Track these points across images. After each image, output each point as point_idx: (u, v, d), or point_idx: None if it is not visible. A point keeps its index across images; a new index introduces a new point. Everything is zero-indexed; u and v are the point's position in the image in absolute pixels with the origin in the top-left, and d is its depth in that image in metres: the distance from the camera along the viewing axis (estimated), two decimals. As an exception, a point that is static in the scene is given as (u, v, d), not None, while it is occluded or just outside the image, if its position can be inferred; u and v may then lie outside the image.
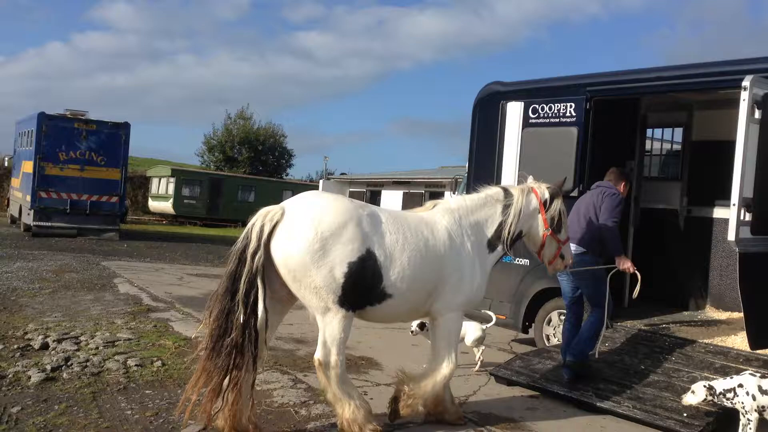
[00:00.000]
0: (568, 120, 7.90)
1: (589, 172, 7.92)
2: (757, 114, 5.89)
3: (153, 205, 40.16)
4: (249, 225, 5.00)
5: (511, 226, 5.73)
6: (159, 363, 7.06)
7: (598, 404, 6.24)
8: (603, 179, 7.10)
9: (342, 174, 44.84)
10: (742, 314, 7.22)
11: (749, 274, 6.09)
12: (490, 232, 5.74)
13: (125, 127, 22.68)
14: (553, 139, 8.01)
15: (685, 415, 5.78)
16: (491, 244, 5.76)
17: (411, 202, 33.14)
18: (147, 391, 6.16)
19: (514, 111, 8.39)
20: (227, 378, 4.81)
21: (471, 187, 9.20)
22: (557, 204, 5.93)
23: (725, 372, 6.40)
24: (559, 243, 5.98)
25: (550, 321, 8.31)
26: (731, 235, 5.88)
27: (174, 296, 11.65)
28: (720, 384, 5.52)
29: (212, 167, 50.85)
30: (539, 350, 7.57)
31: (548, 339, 8.31)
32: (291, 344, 8.58)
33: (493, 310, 8.75)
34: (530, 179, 6.16)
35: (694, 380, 6.34)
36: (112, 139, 22.31)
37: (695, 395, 5.58)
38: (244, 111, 54.09)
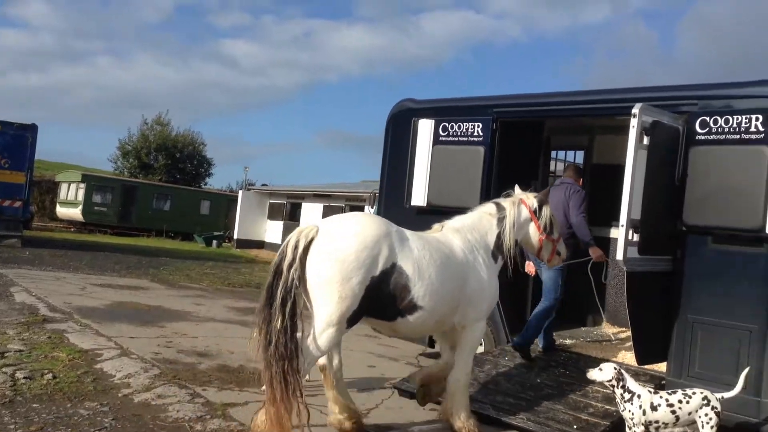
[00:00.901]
0: (476, 139, 8.11)
1: (495, 190, 8.15)
2: (646, 140, 6.22)
3: (61, 211, 38.67)
4: (286, 241, 5.27)
5: (508, 237, 6.21)
6: (50, 376, 6.81)
7: (495, 416, 6.40)
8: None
9: (263, 185, 44.38)
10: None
11: (636, 293, 6.40)
12: (491, 244, 6.20)
13: (32, 129, 21.81)
14: (462, 157, 8.21)
15: (575, 427, 6.00)
16: (494, 255, 6.22)
17: (331, 214, 33.09)
18: (34, 405, 5.94)
19: (425, 128, 8.55)
20: (287, 386, 5.00)
21: (382, 202, 9.34)
22: (546, 210, 6.48)
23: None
24: (553, 242, 6.57)
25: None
26: (619, 255, 6.17)
27: (73, 307, 11.24)
28: (627, 380, 5.66)
29: (126, 174, 49.40)
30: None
31: (452, 353, 8.46)
32: (193, 357, 8.42)
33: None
34: (517, 190, 6.62)
35: (585, 394, 6.63)
36: (17, 141, 21.41)
37: (602, 373, 5.66)
38: (162, 117, 52.92)
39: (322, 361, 5.49)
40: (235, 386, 7.24)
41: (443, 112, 8.62)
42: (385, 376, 8.22)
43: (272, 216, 37.79)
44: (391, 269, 5.24)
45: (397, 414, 6.74)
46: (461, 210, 8.14)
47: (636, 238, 6.22)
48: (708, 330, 6.39)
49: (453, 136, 8.33)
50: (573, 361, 7.37)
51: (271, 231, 37.48)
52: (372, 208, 19.24)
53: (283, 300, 5.05)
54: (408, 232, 5.61)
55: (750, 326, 6.13)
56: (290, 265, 5.09)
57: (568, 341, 8.06)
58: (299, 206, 36.08)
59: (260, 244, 37.11)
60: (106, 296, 12.87)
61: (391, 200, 9.18)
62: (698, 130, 6.44)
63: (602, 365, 5.79)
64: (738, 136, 6.19)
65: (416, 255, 5.41)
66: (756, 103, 6.20)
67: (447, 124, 8.39)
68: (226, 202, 43.25)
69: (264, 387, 5.15)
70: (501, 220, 6.28)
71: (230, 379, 7.52)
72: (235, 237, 37.00)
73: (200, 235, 37.16)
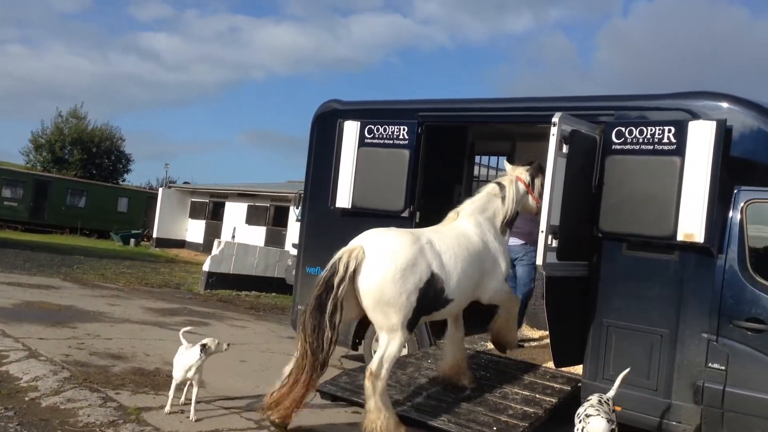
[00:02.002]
0: (401, 142, 8.15)
1: (420, 193, 8.22)
2: (565, 149, 6.39)
3: (-33, 206, 36.64)
4: (336, 259, 6.07)
5: (510, 211, 7.00)
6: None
7: (417, 418, 6.43)
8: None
9: (185, 183, 43.38)
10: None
11: (555, 297, 6.56)
12: (498, 220, 6.96)
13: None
14: (387, 159, 8.22)
15: (495, 428, 6.10)
16: (503, 230, 7.02)
17: (255, 215, 32.72)
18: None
19: (350, 130, 8.52)
20: (312, 375, 6.02)
21: (307, 203, 9.26)
22: (538, 181, 7.13)
23: (532, 388, 6.86)
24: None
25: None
26: (539, 260, 6.32)
27: (-24, 306, 10.67)
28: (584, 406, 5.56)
29: (39, 168, 47.31)
30: (365, 367, 7.68)
31: (375, 355, 8.47)
32: (106, 360, 8.12)
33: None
34: (508, 167, 7.38)
35: (505, 395, 6.75)
36: None
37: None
38: (78, 109, 50.98)
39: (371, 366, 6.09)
40: (151, 390, 7.02)
41: (369, 114, 8.62)
42: (307, 379, 8.14)
43: (194, 215, 36.96)
44: (431, 278, 6.07)
45: (318, 416, 6.69)
46: (386, 212, 8.24)
47: (555, 243, 6.38)
48: (622, 334, 6.62)
49: (378, 138, 8.34)
50: (494, 363, 7.50)
51: (193, 230, 36.66)
52: (297, 208, 19.10)
53: (332, 312, 5.86)
54: (433, 236, 6.37)
55: (661, 330, 6.39)
56: (341, 282, 5.89)
57: (490, 345, 8.17)
58: (222, 205, 35.43)
59: (181, 244, 36.22)
60: (14, 295, 12.27)
61: (316, 201, 9.12)
62: (614, 139, 6.66)
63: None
64: (652, 147, 6.44)
65: (445, 259, 6.24)
66: (669, 115, 6.48)
67: (373, 127, 8.39)
68: (145, 200, 42.01)
69: (290, 369, 6.11)
70: (503, 198, 7.01)
71: (145, 382, 7.28)
72: (155, 236, 35.98)
73: (117, 233, 35.97)
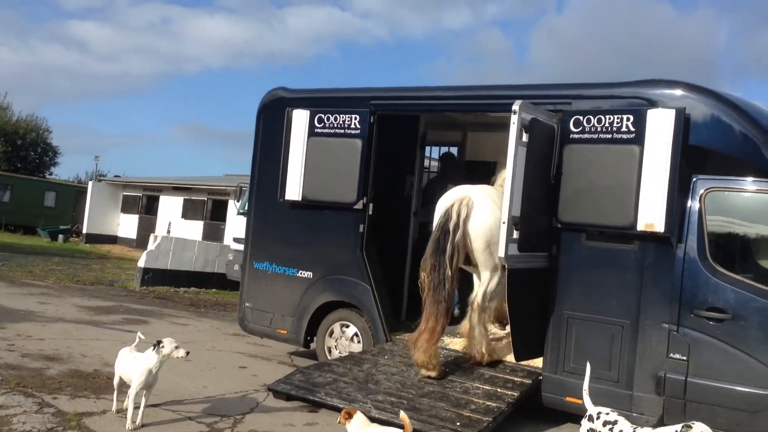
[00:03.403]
0: (353, 132, 7.88)
1: (372, 184, 7.98)
2: (525, 138, 6.25)
3: None
4: (448, 206, 6.92)
5: None
6: None
7: (377, 416, 6.19)
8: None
9: (116, 176, 41.90)
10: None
11: (516, 290, 6.43)
12: None
13: None
14: (339, 150, 7.95)
15: (458, 423, 5.93)
16: None
17: (192, 209, 31.84)
18: None
19: (299, 119, 8.20)
20: (445, 320, 6.71)
21: (253, 196, 8.89)
22: None
23: (493, 382, 6.72)
24: None
25: (332, 333, 8.21)
26: (501, 252, 6.17)
27: None
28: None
29: (-41, 161, 44.93)
30: (320, 364, 7.41)
31: (330, 351, 8.20)
32: (40, 362, 7.58)
33: (273, 325, 8.49)
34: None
35: (466, 390, 6.59)
36: None
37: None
38: (1, 100, 48.62)
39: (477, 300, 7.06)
40: (91, 393, 6.57)
41: (319, 102, 8.32)
42: (258, 378, 7.80)
43: (126, 209, 35.69)
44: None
45: (273, 418, 6.37)
46: (338, 204, 7.97)
47: (516, 234, 6.24)
48: (582, 325, 6.55)
49: (329, 127, 8.05)
50: (452, 358, 7.33)
51: (125, 225, 35.41)
52: (238, 202, 18.58)
53: (451, 254, 6.72)
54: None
55: (622, 321, 6.34)
56: (456, 227, 6.78)
57: (446, 338, 8.00)
58: (157, 199, 34.32)
59: (112, 239, 34.93)
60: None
61: (263, 194, 8.77)
62: (572, 128, 6.57)
63: None
64: (610, 136, 6.37)
65: None
66: (627, 103, 6.42)
67: (323, 116, 8.09)
68: (73, 194, 40.30)
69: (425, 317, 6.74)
70: None
71: (84, 385, 6.81)
72: (84, 231, 34.56)
73: (44, 229, 34.38)
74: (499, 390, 6.56)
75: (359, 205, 7.81)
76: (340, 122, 7.96)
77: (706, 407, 5.94)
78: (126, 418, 5.67)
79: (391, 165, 8.45)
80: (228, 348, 9.55)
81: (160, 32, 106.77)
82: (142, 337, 6.22)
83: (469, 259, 7.09)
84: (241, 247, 17.40)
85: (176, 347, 5.72)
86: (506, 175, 6.18)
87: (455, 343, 7.70)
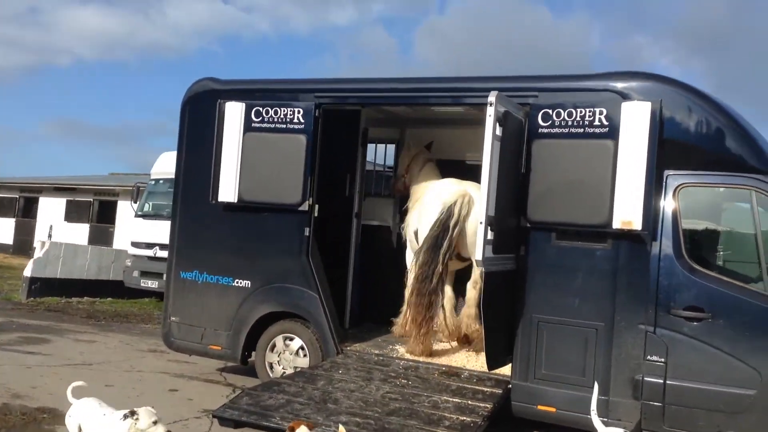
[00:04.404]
0: (296, 127, 7.22)
1: (317, 183, 7.35)
2: (498, 131, 5.84)
3: None
4: (450, 203, 6.98)
5: None
6: None
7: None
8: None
9: (-17, 177, 38.48)
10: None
11: (492, 294, 6.02)
12: None
13: None
14: (280, 146, 7.26)
15: (432, 444, 5.44)
16: None
17: (76, 211, 29.62)
18: None
19: (233, 112, 7.43)
20: (427, 312, 6.93)
21: (179, 197, 8.04)
22: None
23: (462, 394, 6.27)
24: None
25: (274, 347, 7.49)
26: (478, 254, 5.72)
27: None
28: None
29: None
30: (268, 384, 6.66)
31: (271, 367, 7.49)
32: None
33: (205, 341, 7.67)
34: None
35: (435, 405, 6.09)
36: None
37: None
38: None
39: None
40: (3, 434, 5.59)
41: (255, 94, 7.58)
42: (195, 402, 6.98)
43: (1, 212, 32.80)
44: None
45: (223, 450, 5.64)
46: (281, 206, 7.28)
47: (490, 236, 5.82)
48: (553, 329, 6.23)
49: (269, 122, 7.34)
50: (412, 369, 6.83)
51: (0, 230, 32.53)
52: (135, 203, 17.29)
53: (445, 251, 6.86)
54: None
55: (596, 324, 6.06)
56: (455, 224, 6.89)
57: (400, 348, 7.51)
58: (36, 201, 31.71)
59: (-16, 246, 32.02)
60: None
61: (191, 195, 7.92)
62: (541, 122, 6.24)
63: None
64: (582, 130, 6.09)
65: None
66: (599, 96, 6.13)
67: (261, 109, 7.37)
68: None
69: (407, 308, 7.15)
70: None
71: (-7, 425, 5.80)
72: (-48, 237, 31.49)
73: None
74: (470, 402, 6.10)
75: (304, 207, 7.17)
76: (282, 116, 7.27)
77: (686, 410, 5.77)
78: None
79: (332, 163, 7.85)
80: (148, 367, 8.60)
81: (26, 22, 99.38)
82: (84, 384, 5.20)
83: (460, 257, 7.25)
84: (139, 252, 16.45)
85: (155, 422, 4.58)
86: (482, 172, 5.73)
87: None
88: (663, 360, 5.83)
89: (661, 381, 5.81)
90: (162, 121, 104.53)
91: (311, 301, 7.25)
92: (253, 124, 7.38)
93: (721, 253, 6.20)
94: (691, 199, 5.99)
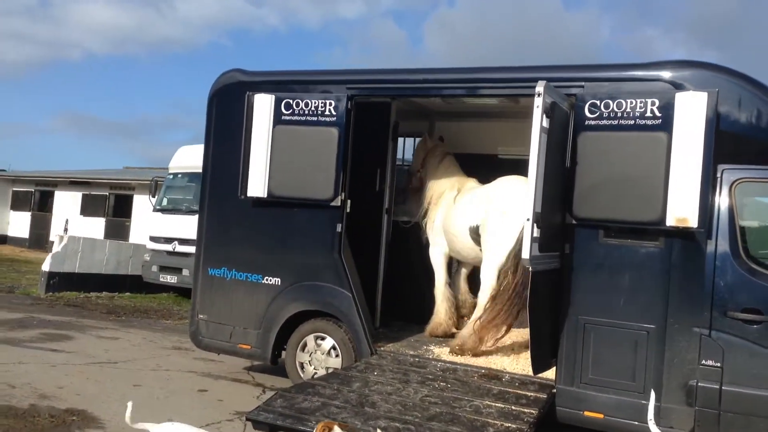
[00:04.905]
0: (328, 119, 6.95)
1: (349, 178, 7.10)
2: (546, 123, 5.56)
3: None
4: None
5: None
6: None
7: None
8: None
9: (1, 170, 38.57)
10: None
11: (539, 295, 5.74)
12: None
13: None
14: (312, 139, 7.01)
15: (479, 452, 5.18)
16: None
17: (92, 205, 29.55)
18: None
19: (263, 105, 7.18)
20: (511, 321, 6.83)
21: (207, 193, 7.81)
22: None
23: (505, 398, 6.00)
24: None
25: (305, 346, 7.25)
26: (525, 253, 5.44)
27: None
28: None
29: None
30: (301, 385, 6.41)
31: (302, 368, 7.25)
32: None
33: (234, 339, 7.45)
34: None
35: (477, 410, 5.82)
36: None
37: None
38: None
39: None
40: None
41: (285, 86, 7.33)
42: (225, 403, 6.76)
43: (17, 206, 32.79)
44: None
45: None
46: (312, 201, 7.04)
47: (536, 233, 5.54)
48: (601, 331, 5.94)
49: (299, 114, 7.08)
50: (451, 372, 6.58)
51: (16, 223, 32.52)
52: (153, 197, 17.12)
53: None
54: None
55: (647, 326, 5.77)
56: None
57: (435, 348, 7.25)
58: (51, 195, 31.67)
59: (2, 239, 32.04)
60: None
61: (219, 190, 7.69)
62: (588, 114, 5.94)
63: None
64: (633, 122, 5.78)
65: None
66: (650, 86, 5.83)
67: (291, 101, 7.11)
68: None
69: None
70: None
71: (24, 428, 5.58)
72: (-32, 232, 31.53)
73: None
74: (514, 408, 5.83)
75: (337, 202, 6.91)
76: (313, 108, 7.01)
77: (743, 417, 5.47)
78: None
79: (364, 158, 7.58)
80: (175, 366, 8.39)
81: (38, 17, 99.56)
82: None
83: None
84: (158, 246, 16.28)
85: None
86: (530, 166, 5.45)
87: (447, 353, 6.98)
88: (719, 365, 5.54)
89: (717, 387, 5.52)
90: (173, 114, 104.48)
91: (344, 299, 7.00)
92: (283, 117, 7.12)
93: (782, 252, 5.89)
94: (749, 195, 5.69)
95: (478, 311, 7.01)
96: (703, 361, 5.59)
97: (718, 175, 5.66)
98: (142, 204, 25.65)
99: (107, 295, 16.47)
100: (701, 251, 5.63)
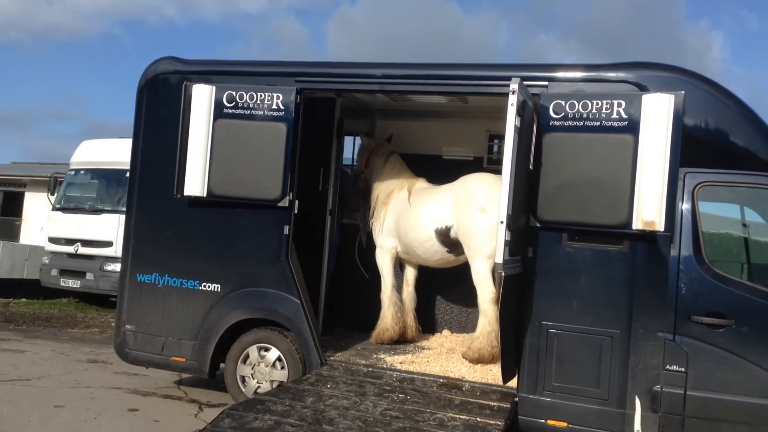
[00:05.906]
0: (275, 114, 6.49)
1: (297, 177, 6.67)
2: (518, 122, 5.35)
3: None
4: None
5: None
6: None
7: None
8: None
9: None
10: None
11: (509, 300, 5.51)
12: None
13: None
14: (257, 135, 6.52)
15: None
16: None
17: (-21, 202, 27.27)
18: None
19: (202, 96, 6.63)
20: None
21: (136, 191, 7.17)
22: None
23: (468, 410, 5.73)
24: None
25: (247, 358, 6.73)
26: (499, 257, 5.20)
27: None
28: None
29: None
30: (250, 402, 5.88)
31: (244, 381, 6.73)
32: None
33: (167, 351, 6.85)
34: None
35: (442, 423, 5.51)
36: None
37: None
38: None
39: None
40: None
41: (228, 77, 6.80)
42: (162, 424, 6.16)
43: None
44: None
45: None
46: (258, 201, 6.57)
47: (508, 236, 5.32)
48: (564, 338, 5.80)
49: (243, 108, 6.58)
50: (408, 382, 6.26)
51: None
52: (52, 195, 15.91)
53: None
54: None
55: (611, 332, 5.67)
56: None
57: (387, 357, 6.90)
58: (-69, 192, 29.03)
59: None
60: None
61: (151, 189, 7.06)
62: (552, 115, 5.79)
63: None
64: (598, 123, 5.67)
65: None
66: (618, 87, 5.74)
67: (234, 93, 6.60)
68: None
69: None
70: None
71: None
72: None
73: None
74: (479, 419, 5.56)
75: (284, 202, 6.46)
76: (258, 102, 6.53)
77: (708, 423, 5.45)
78: None
79: (309, 156, 7.15)
80: (96, 382, 7.63)
81: None
82: None
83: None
84: (58, 248, 15.09)
85: None
86: (504, 167, 5.21)
87: (404, 361, 6.69)
88: (683, 369, 5.49)
89: (682, 392, 5.48)
90: (60, 107, 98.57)
91: (290, 306, 6.56)
92: (225, 110, 6.60)
93: (744, 255, 5.94)
94: (711, 199, 5.69)
95: (483, 318, 6.70)
96: (668, 366, 5.53)
97: (682, 178, 5.62)
98: (35, 202, 23.93)
99: (1, 301, 15.14)
100: (665, 255, 5.57)
